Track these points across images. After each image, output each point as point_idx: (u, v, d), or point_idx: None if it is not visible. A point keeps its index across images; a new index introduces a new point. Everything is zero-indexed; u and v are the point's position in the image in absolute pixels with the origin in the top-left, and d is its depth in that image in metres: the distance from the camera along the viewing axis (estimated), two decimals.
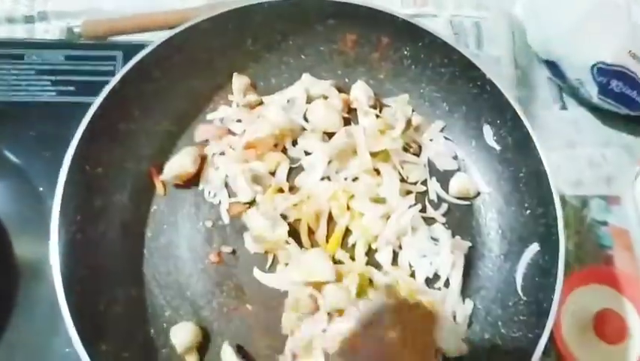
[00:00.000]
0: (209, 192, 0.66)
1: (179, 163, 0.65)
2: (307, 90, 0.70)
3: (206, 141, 0.69)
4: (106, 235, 0.60)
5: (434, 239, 0.65)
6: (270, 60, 0.71)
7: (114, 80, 0.60)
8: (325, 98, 0.71)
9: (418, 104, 0.72)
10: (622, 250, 0.75)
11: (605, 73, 0.74)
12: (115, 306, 0.58)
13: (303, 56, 0.72)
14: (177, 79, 0.66)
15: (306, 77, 0.72)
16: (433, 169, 0.70)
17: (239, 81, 0.69)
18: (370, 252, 0.64)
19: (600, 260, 0.74)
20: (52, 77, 0.75)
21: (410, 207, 0.65)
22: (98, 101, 0.59)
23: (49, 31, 0.83)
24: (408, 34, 0.68)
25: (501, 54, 0.86)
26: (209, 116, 0.70)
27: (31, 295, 0.63)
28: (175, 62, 0.65)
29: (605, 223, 0.76)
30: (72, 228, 0.56)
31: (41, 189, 0.67)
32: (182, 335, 0.58)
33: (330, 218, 0.65)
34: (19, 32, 0.82)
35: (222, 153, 0.67)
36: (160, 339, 0.59)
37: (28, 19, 0.83)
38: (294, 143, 0.69)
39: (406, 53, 0.70)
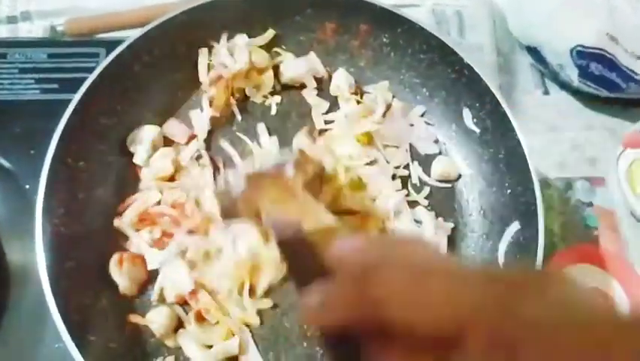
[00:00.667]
0: None
1: (158, 166, 0.65)
2: None
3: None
4: (90, 228, 0.61)
5: (417, 221, 0.66)
6: None
7: (93, 75, 0.61)
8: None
9: (398, 90, 0.73)
10: (607, 230, 0.75)
11: (584, 56, 0.75)
12: (102, 298, 0.59)
13: (283, 47, 0.72)
14: (158, 72, 0.67)
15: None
16: (414, 153, 0.71)
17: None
18: None
19: (586, 240, 0.74)
20: (36, 75, 0.75)
21: (397, 191, 0.66)
22: (77, 96, 0.60)
23: (32, 30, 0.83)
24: (387, 22, 0.68)
25: (483, 42, 0.87)
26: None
27: (21, 295, 0.63)
28: (155, 56, 0.65)
29: (590, 204, 0.77)
30: (56, 222, 0.56)
31: (27, 186, 0.67)
32: (159, 319, 0.58)
33: None
34: (3, 33, 0.82)
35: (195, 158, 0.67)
36: (148, 330, 0.59)
37: (11, 20, 0.83)
38: None
39: (385, 40, 0.70)
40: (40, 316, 0.59)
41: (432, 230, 0.64)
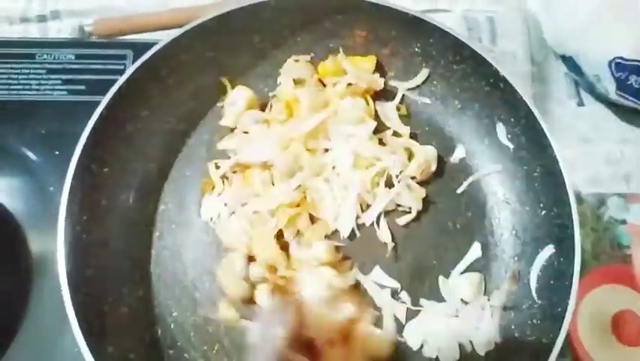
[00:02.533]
0: None
1: None
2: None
3: None
4: (112, 235, 0.60)
5: None
6: (277, 57, 0.70)
7: (120, 81, 0.60)
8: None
9: (429, 103, 0.71)
10: None
11: (623, 68, 0.72)
12: (121, 306, 0.58)
13: (312, 53, 0.71)
14: (184, 78, 0.66)
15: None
16: None
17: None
18: None
19: (618, 259, 0.72)
20: (63, 76, 0.75)
21: None
22: (104, 101, 0.59)
23: (61, 29, 0.83)
24: (418, 30, 0.66)
25: (516, 49, 0.84)
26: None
27: (43, 292, 0.63)
28: (182, 61, 0.64)
29: (623, 222, 0.74)
30: (78, 228, 0.56)
31: (51, 188, 0.67)
32: None
33: None
34: (33, 31, 0.83)
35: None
36: (167, 339, 0.59)
37: (41, 18, 0.84)
38: None
39: (416, 49, 0.68)
40: (61, 316, 0.58)
41: None
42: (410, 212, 0.65)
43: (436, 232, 0.65)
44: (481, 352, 0.60)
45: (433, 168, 0.67)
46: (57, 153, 0.69)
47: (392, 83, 0.71)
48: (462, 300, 0.63)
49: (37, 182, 0.68)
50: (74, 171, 0.56)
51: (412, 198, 0.65)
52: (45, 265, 0.64)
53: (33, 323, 0.62)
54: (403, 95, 0.71)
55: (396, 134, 0.69)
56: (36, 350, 0.62)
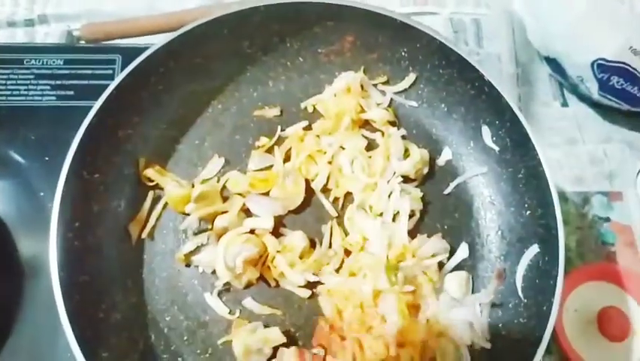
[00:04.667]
0: None
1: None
2: None
3: None
4: (105, 242, 0.60)
5: None
6: (267, 63, 0.71)
7: (111, 87, 0.60)
8: None
9: (416, 107, 0.72)
10: (624, 246, 0.74)
11: (605, 69, 0.73)
12: (115, 312, 0.58)
13: (300, 58, 0.71)
14: (174, 84, 0.66)
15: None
16: None
17: None
18: None
19: (602, 257, 0.74)
20: (52, 82, 0.74)
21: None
22: (94, 108, 0.59)
23: (49, 34, 0.83)
24: (406, 36, 0.67)
25: (501, 51, 0.86)
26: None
27: (34, 297, 0.63)
28: (171, 68, 0.65)
29: (607, 220, 0.76)
30: (70, 235, 0.56)
31: (42, 193, 0.67)
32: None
33: None
34: (20, 35, 0.83)
35: None
36: (161, 345, 0.60)
37: (28, 23, 0.84)
38: None
39: (403, 54, 0.69)
40: (52, 321, 0.58)
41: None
42: (413, 215, 0.66)
43: (425, 232, 0.65)
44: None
45: (426, 170, 0.68)
46: (47, 158, 0.69)
47: (380, 87, 0.72)
48: (451, 298, 0.63)
49: (27, 187, 0.68)
50: (66, 178, 0.56)
51: (412, 201, 0.65)
52: (36, 269, 0.64)
53: (25, 327, 0.62)
54: (391, 99, 0.72)
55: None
56: (29, 354, 0.62)
